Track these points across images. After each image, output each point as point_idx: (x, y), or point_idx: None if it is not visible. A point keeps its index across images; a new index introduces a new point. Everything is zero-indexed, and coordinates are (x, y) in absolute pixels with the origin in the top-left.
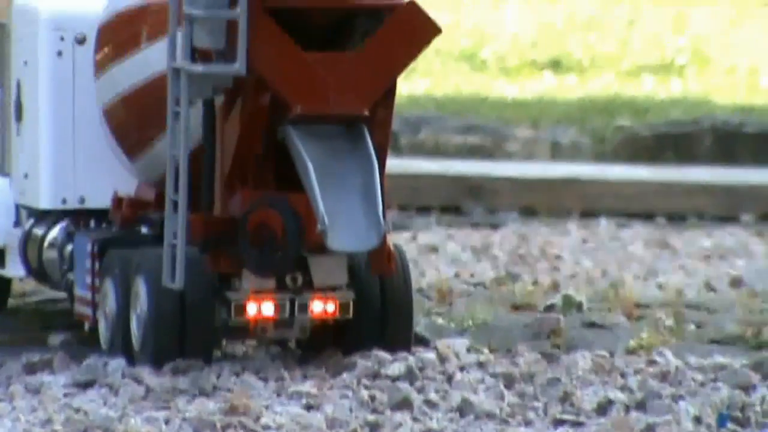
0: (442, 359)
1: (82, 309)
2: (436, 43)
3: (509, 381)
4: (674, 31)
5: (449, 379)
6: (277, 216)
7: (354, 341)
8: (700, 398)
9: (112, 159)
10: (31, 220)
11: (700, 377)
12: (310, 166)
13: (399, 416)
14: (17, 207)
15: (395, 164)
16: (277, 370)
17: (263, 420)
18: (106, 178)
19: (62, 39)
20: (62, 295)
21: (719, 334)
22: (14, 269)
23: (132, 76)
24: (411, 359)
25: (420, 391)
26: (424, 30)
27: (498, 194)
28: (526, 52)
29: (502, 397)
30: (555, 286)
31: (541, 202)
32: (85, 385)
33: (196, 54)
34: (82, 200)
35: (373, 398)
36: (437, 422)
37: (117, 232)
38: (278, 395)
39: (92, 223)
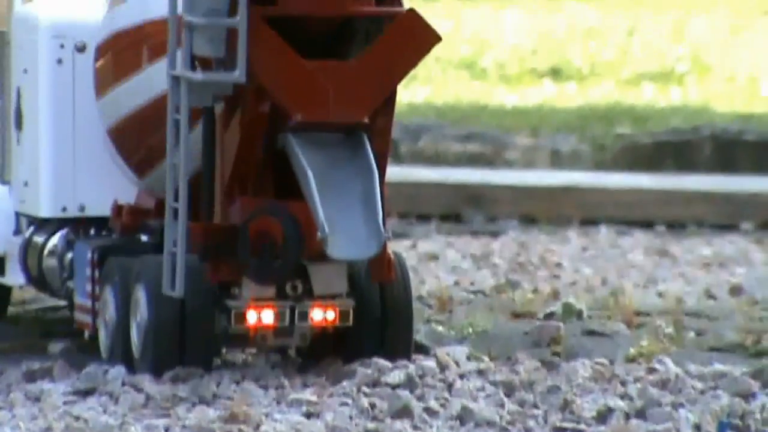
0: (442, 367)
1: (82, 317)
2: (436, 51)
3: (509, 389)
4: (674, 39)
5: (449, 386)
6: (277, 224)
7: (354, 349)
8: (700, 406)
9: (111, 167)
10: (31, 228)
11: (700, 385)
12: (310, 174)
13: (399, 424)
14: (17, 215)
15: (395, 172)
16: (277, 377)
17: (263, 428)
18: (105, 186)
19: (62, 47)
20: (62, 303)
21: (719, 342)
22: (14, 277)
23: (136, 96)
24: (411, 367)
25: (420, 398)
26: (424, 38)
27: (498, 202)
28: (526, 60)
29: (502, 405)
30: (555, 294)
31: (541, 210)
32: (85, 393)
33: (195, 62)
34: (82, 208)
35: (373, 406)
36: (437, 430)
37: (117, 240)
38: (278, 403)
39: (92, 231)
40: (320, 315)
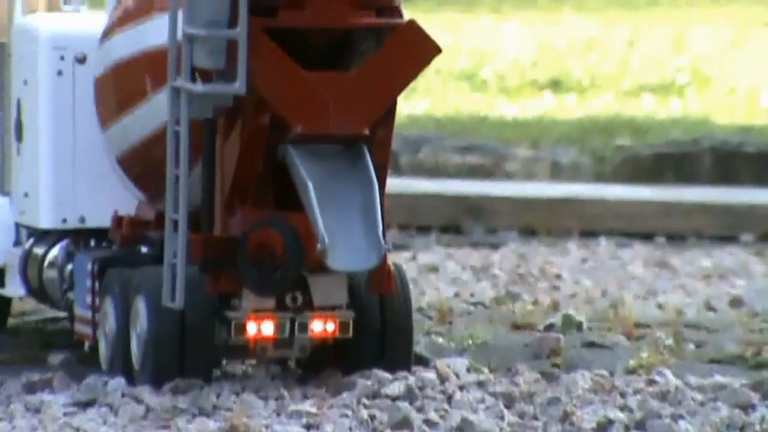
0: (442, 379)
1: (82, 328)
2: (436, 62)
3: (509, 400)
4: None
5: (449, 398)
6: (277, 235)
7: (354, 360)
8: (700, 418)
9: (111, 178)
10: (31, 240)
11: (699, 397)
12: (310, 185)
13: None
14: (17, 226)
15: (395, 184)
16: (276, 389)
17: None
18: (106, 198)
19: (62, 58)
20: (62, 314)
21: (719, 354)
22: (14, 288)
23: (144, 126)
24: (411, 379)
25: (420, 410)
26: (425, 50)
27: (498, 214)
28: (526, 72)
29: (502, 417)
30: (555, 306)
31: (541, 221)
32: (85, 405)
33: (195, 74)
34: (82, 219)
35: (372, 418)
36: None
37: (117, 251)
38: (278, 414)
39: (92, 243)
40: (320, 326)
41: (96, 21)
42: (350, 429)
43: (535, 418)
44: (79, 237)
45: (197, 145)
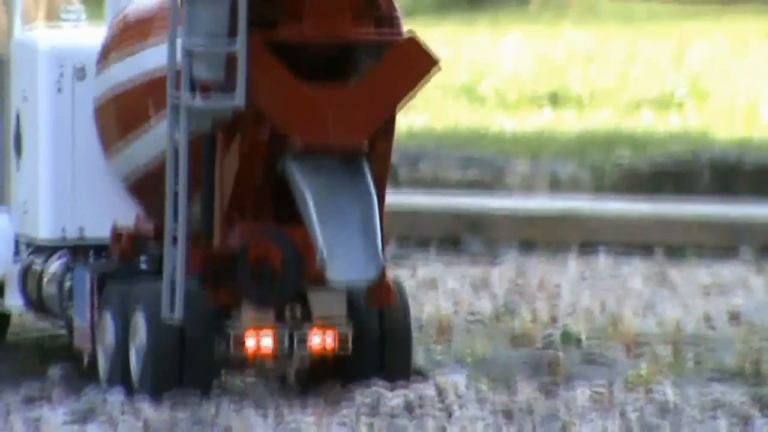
0: (441, 393)
1: (82, 341)
2: (436, 77)
3: (508, 415)
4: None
5: (448, 412)
6: (276, 249)
7: (353, 374)
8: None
9: (110, 191)
10: (31, 253)
11: (698, 411)
12: (310, 199)
13: None
14: (17, 240)
15: (394, 198)
16: (275, 402)
17: None
18: (104, 210)
19: (61, 72)
20: (61, 327)
21: (718, 368)
22: (14, 302)
23: (150, 150)
24: (410, 392)
25: (419, 424)
26: (424, 64)
27: (497, 228)
28: (526, 87)
29: (500, 431)
30: (554, 320)
31: (540, 236)
32: (84, 418)
33: (195, 87)
34: (81, 232)
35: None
36: None
37: (116, 265)
38: (277, 428)
39: (91, 257)
40: (319, 340)
41: (95, 35)
42: None
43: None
44: (79, 251)
45: (197, 179)
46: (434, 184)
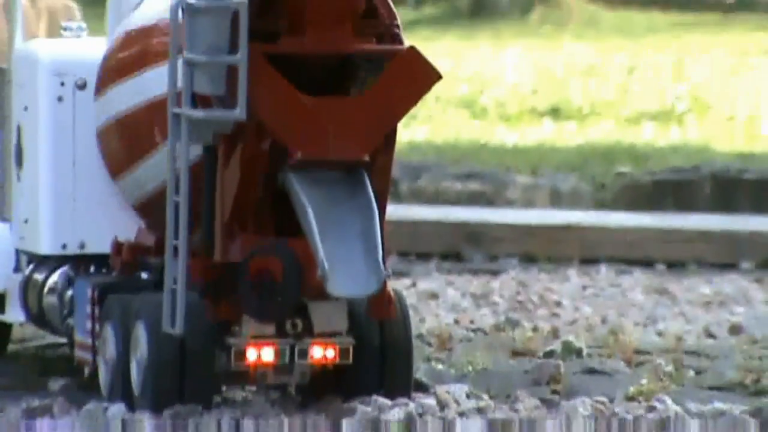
0: (442, 405)
1: (82, 354)
2: (436, 89)
3: (509, 427)
4: (674, 78)
5: (449, 424)
6: (277, 262)
7: (354, 386)
8: None
9: (112, 204)
10: (32, 266)
11: (699, 423)
12: (310, 211)
13: None
14: (17, 252)
15: (395, 211)
16: (276, 415)
17: None
18: (106, 223)
19: (62, 84)
20: (62, 340)
21: (719, 381)
22: (14, 314)
23: (158, 174)
24: (411, 405)
25: None
26: (425, 76)
27: (498, 241)
28: (526, 99)
29: None
30: (555, 333)
31: (541, 248)
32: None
33: (196, 100)
34: (82, 245)
35: None
36: None
37: (117, 277)
38: None
39: (92, 269)
40: (320, 352)
41: (97, 47)
42: None
43: None
44: (79, 263)
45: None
46: (435, 197)
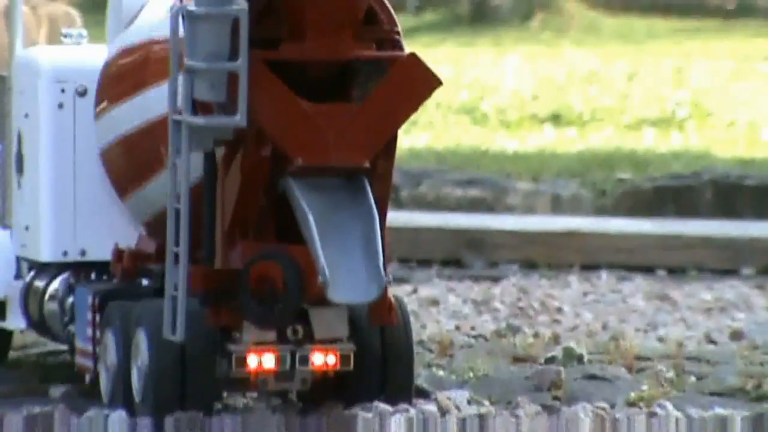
0: (443, 411)
1: (83, 361)
2: (437, 96)
3: None
4: (674, 84)
5: (450, 431)
6: (277, 268)
7: (355, 393)
8: None
9: (112, 211)
10: (32, 273)
11: (700, 429)
12: (311, 218)
13: None
14: (18, 259)
15: (396, 217)
16: (277, 422)
17: None
18: (107, 230)
19: (63, 91)
20: (63, 347)
21: (720, 387)
22: (15, 321)
23: (163, 196)
24: (412, 411)
25: None
26: (425, 82)
27: (498, 247)
28: (527, 106)
29: None
30: (555, 339)
31: (542, 255)
32: None
33: (196, 107)
34: (83, 252)
35: None
36: None
37: (118, 284)
38: None
39: (93, 276)
40: (321, 359)
41: (97, 54)
42: None
43: None
44: (80, 270)
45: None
46: (436, 203)
